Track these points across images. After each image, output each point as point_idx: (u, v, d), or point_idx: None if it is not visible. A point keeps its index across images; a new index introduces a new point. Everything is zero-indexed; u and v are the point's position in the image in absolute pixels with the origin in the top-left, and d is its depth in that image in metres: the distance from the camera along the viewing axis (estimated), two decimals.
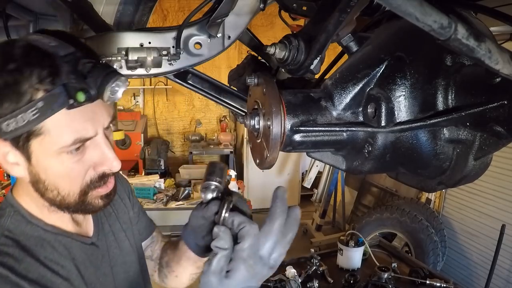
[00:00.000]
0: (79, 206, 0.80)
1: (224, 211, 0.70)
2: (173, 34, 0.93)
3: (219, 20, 0.90)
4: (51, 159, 0.74)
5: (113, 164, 0.80)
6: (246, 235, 0.68)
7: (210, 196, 0.76)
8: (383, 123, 0.65)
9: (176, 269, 1.09)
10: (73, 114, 0.70)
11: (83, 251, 0.87)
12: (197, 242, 0.92)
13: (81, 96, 0.68)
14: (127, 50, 0.91)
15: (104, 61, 0.76)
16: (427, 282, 2.17)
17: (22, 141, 0.71)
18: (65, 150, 0.73)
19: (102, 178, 0.81)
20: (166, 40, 0.93)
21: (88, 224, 0.94)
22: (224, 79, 1.20)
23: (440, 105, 0.63)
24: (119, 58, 0.91)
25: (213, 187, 0.76)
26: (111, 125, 0.81)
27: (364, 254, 2.45)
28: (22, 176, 0.78)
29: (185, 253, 0.99)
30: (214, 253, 0.68)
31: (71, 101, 0.69)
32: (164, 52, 0.92)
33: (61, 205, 0.80)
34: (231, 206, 0.71)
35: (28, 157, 0.74)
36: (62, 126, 0.71)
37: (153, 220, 1.23)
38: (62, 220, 0.85)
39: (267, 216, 0.69)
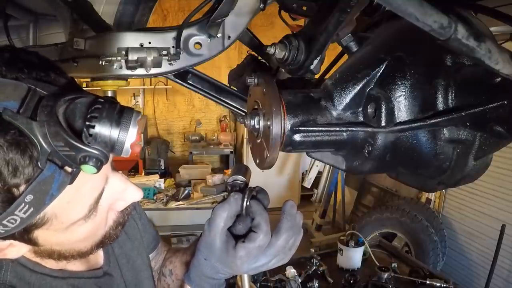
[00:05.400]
0: (99, 247, 0.71)
1: (246, 200, 0.70)
2: (173, 34, 0.92)
3: (219, 20, 0.90)
4: (65, 234, 0.61)
5: (135, 196, 0.69)
6: (258, 229, 0.68)
7: (236, 189, 0.77)
8: (383, 123, 0.65)
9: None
10: (78, 181, 0.54)
11: (98, 287, 0.80)
12: None
13: (90, 169, 0.49)
14: (127, 50, 0.91)
15: (87, 96, 0.52)
16: (427, 282, 2.17)
17: (18, 234, 0.56)
18: (81, 220, 0.61)
19: (124, 210, 0.72)
20: (166, 40, 0.93)
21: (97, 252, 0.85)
22: (224, 79, 1.20)
23: (440, 105, 0.63)
24: (119, 58, 0.91)
25: (239, 181, 0.77)
26: None
27: (364, 254, 2.45)
28: (23, 254, 0.63)
29: None
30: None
31: (69, 170, 0.51)
32: (164, 52, 0.92)
33: (80, 257, 0.70)
34: (252, 194, 0.72)
35: (31, 243, 0.60)
36: (70, 202, 0.57)
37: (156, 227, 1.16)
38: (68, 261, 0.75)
39: (275, 230, 0.70)
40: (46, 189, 0.50)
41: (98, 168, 0.50)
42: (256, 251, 0.69)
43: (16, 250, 0.61)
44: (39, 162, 0.48)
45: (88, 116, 0.49)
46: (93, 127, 0.48)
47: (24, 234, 0.57)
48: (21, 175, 0.48)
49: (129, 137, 0.50)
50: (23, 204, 0.49)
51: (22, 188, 0.49)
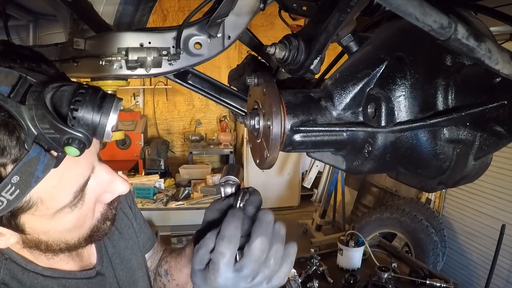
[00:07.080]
0: (88, 242, 0.71)
1: (239, 201, 0.70)
2: (173, 34, 0.93)
3: (219, 20, 0.90)
4: (51, 222, 0.62)
5: (122, 188, 0.69)
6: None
7: (229, 190, 0.77)
8: (383, 123, 0.65)
9: (178, 278, 1.02)
10: (63, 166, 0.56)
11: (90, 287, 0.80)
12: None
13: (73, 151, 0.52)
14: (127, 50, 0.91)
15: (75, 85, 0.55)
16: (427, 282, 2.17)
17: (5, 220, 0.58)
18: (67, 207, 0.62)
19: (112, 204, 0.73)
20: (166, 40, 0.93)
21: (90, 251, 0.85)
22: (224, 79, 1.20)
23: (440, 105, 0.63)
24: (119, 58, 0.91)
25: (231, 182, 0.77)
26: None
27: (364, 254, 2.46)
28: (12, 244, 0.64)
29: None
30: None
31: (55, 154, 0.54)
32: (164, 52, 0.92)
33: (68, 251, 0.70)
34: (246, 197, 0.72)
35: (19, 229, 0.61)
36: (55, 187, 0.58)
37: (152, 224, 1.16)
38: (61, 259, 0.75)
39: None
40: (32, 170, 0.52)
41: (81, 150, 0.52)
42: (222, 263, 0.61)
43: (5, 239, 0.62)
44: (25, 143, 0.51)
45: (73, 100, 0.52)
46: (77, 110, 0.52)
47: (11, 219, 0.58)
48: (8, 155, 0.50)
49: (110, 121, 0.53)
50: (9, 185, 0.51)
51: (9, 168, 0.51)
